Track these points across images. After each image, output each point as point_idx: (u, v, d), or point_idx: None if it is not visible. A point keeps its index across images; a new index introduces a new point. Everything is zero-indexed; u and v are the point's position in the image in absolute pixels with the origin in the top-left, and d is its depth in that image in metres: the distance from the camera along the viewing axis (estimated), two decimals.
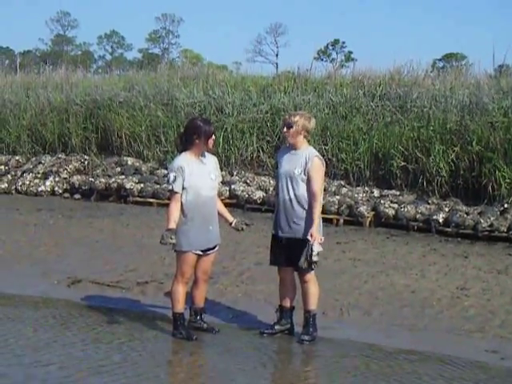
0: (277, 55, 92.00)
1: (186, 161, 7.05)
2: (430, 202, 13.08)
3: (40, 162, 17.12)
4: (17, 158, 17.80)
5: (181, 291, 7.14)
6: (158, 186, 14.98)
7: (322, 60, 71.67)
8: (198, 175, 7.02)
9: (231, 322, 7.83)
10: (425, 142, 13.86)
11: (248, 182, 14.80)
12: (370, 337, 7.41)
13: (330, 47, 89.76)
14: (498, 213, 12.30)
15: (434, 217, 12.49)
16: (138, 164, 16.33)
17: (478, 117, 13.80)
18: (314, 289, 7.18)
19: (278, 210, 7.18)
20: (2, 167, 17.39)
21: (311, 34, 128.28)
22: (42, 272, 9.74)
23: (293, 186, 7.05)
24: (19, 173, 16.96)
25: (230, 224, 7.37)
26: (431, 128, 13.97)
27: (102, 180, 15.73)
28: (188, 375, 6.53)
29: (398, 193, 13.68)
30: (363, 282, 9.22)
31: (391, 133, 14.33)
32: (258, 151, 15.60)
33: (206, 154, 7.23)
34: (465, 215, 12.33)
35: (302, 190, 7.03)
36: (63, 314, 8.06)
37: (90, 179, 15.91)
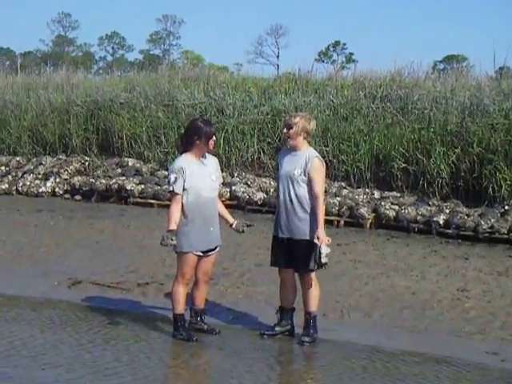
0: (278, 56, 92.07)
1: (186, 162, 7.05)
2: (430, 203, 13.08)
3: (41, 163, 17.13)
4: (17, 158, 17.80)
5: (181, 292, 7.14)
6: (159, 187, 14.99)
7: (323, 61, 71.71)
8: (199, 176, 7.03)
9: (232, 323, 7.83)
10: (425, 143, 13.86)
11: (249, 183, 14.80)
12: (371, 338, 7.41)
13: (331, 49, 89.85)
14: (499, 214, 12.30)
15: (435, 218, 12.48)
16: (138, 165, 16.33)
17: (479, 118, 13.80)
18: (314, 290, 7.18)
19: (279, 212, 7.19)
20: (3, 168, 17.39)
21: (312, 35, 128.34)
22: (43, 273, 9.74)
23: (293, 187, 7.05)
24: (20, 174, 16.96)
25: (231, 225, 7.38)
26: (432, 130, 13.97)
27: (103, 181, 15.73)
28: (188, 376, 6.53)
29: (398, 194, 13.68)
30: (364, 284, 9.22)
31: (392, 134, 14.33)
32: (259, 152, 15.60)
33: (207, 155, 7.23)
34: (465, 217, 12.33)
35: (303, 191, 7.04)
36: (68, 315, 8.06)
37: (91, 180, 15.91)
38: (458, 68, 21.45)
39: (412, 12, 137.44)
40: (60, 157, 17.35)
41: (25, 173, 16.91)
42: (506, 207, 12.44)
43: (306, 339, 7.16)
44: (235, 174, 15.25)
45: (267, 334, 7.33)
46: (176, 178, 6.97)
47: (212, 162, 7.29)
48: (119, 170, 16.22)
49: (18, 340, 7.15)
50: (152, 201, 14.97)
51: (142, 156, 16.67)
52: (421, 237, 12.36)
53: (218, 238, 7.27)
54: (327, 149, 14.57)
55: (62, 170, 16.58)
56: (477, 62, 49.30)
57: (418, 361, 6.83)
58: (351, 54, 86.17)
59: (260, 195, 14.30)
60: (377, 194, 13.78)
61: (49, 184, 16.27)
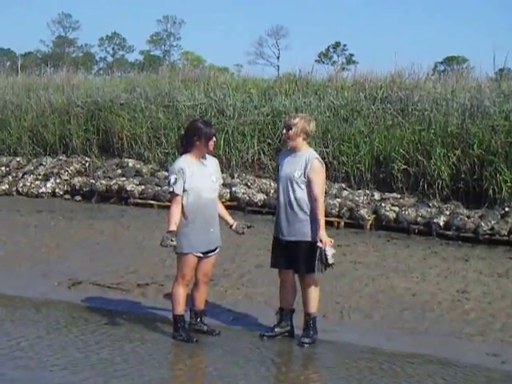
0: (278, 58, 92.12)
1: (186, 163, 7.05)
2: (430, 205, 13.08)
3: (41, 164, 17.12)
4: (18, 159, 17.78)
5: (181, 293, 7.14)
6: (159, 188, 14.98)
7: (323, 63, 71.65)
8: (199, 177, 7.03)
9: (231, 324, 7.83)
10: (426, 145, 13.86)
11: (249, 184, 14.80)
12: (371, 340, 7.40)
13: (331, 50, 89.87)
14: (499, 216, 12.29)
15: (435, 220, 12.48)
16: (138, 166, 16.32)
17: (479, 120, 13.80)
18: (315, 292, 7.18)
19: (279, 213, 7.19)
20: (3, 168, 17.38)
21: (312, 36, 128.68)
22: (43, 273, 9.75)
23: (293, 189, 7.05)
24: (20, 174, 16.96)
25: (231, 227, 7.38)
26: (432, 131, 13.97)
27: (103, 182, 15.73)
28: (187, 377, 6.52)
29: (398, 196, 13.67)
30: (364, 285, 9.22)
31: (392, 136, 14.32)
32: (259, 154, 15.60)
33: (207, 156, 7.23)
34: (466, 218, 12.33)
35: (303, 192, 7.04)
36: (73, 315, 8.07)
37: (91, 181, 15.91)
38: (458, 69, 21.44)
39: (412, 13, 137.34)
40: (60, 157, 17.35)
41: (25, 173, 16.91)
42: (507, 209, 12.44)
43: (306, 340, 7.15)
44: (235, 175, 15.24)
45: (267, 335, 7.32)
46: (176, 179, 6.97)
47: (212, 163, 7.30)
48: (119, 171, 16.22)
49: (25, 341, 7.15)
50: (152, 202, 14.97)
51: (143, 157, 16.67)
52: (421, 238, 12.36)
53: (218, 239, 7.27)
54: (327, 150, 14.57)
55: (62, 171, 16.57)
56: (477, 63, 49.38)
57: (418, 362, 6.83)
58: (351, 55, 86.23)
59: (260, 196, 14.29)
60: (377, 196, 13.77)
61: (49, 185, 16.27)
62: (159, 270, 9.75)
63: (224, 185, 13.35)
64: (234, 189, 14.50)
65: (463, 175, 13.33)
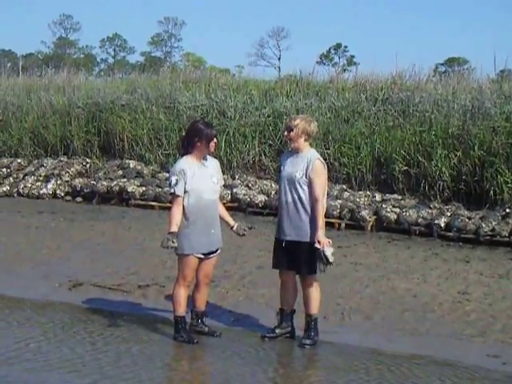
0: (279, 59, 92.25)
1: (187, 164, 7.05)
2: (431, 206, 13.08)
3: (42, 165, 17.13)
4: (19, 160, 17.80)
5: (182, 294, 7.14)
6: (160, 189, 14.99)
7: (325, 64, 71.75)
8: (200, 178, 7.03)
9: (232, 325, 7.82)
10: (427, 146, 13.86)
11: (250, 185, 14.81)
12: (372, 341, 7.40)
13: (333, 51, 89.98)
14: (500, 217, 12.30)
15: (436, 221, 12.48)
16: (139, 167, 16.33)
17: (480, 121, 13.80)
18: (316, 293, 7.18)
19: (281, 214, 7.19)
20: (4, 170, 17.40)
21: (313, 37, 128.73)
22: (44, 275, 9.75)
23: (295, 190, 7.06)
24: (21, 175, 16.98)
25: (232, 228, 7.38)
26: (433, 132, 13.97)
27: (104, 183, 15.74)
28: (189, 378, 6.52)
29: (399, 197, 13.67)
30: (364, 287, 9.21)
31: (393, 137, 14.33)
32: (260, 155, 15.61)
33: (208, 157, 7.23)
34: (466, 220, 12.33)
35: (304, 193, 7.04)
36: (77, 317, 8.06)
37: (92, 182, 15.92)
38: (459, 71, 21.44)
39: (413, 15, 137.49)
40: (61, 159, 17.36)
41: (26, 175, 16.92)
42: (508, 210, 12.45)
43: (307, 342, 7.15)
44: (236, 177, 15.25)
45: (268, 336, 7.32)
46: (177, 180, 6.97)
47: (213, 164, 7.30)
48: (120, 172, 16.23)
49: (34, 343, 7.15)
50: (153, 203, 14.98)
51: (143, 158, 16.68)
52: (422, 239, 12.36)
53: (219, 240, 7.27)
54: (328, 151, 14.57)
55: (63, 172, 16.58)
56: (478, 64, 49.41)
57: (419, 364, 6.82)
58: (352, 56, 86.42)
59: (261, 197, 14.29)
60: (378, 197, 13.77)
61: (50, 186, 16.27)
62: (160, 271, 9.75)
63: (225, 186, 13.36)
64: (234, 190, 14.51)
65: (464, 176, 13.33)
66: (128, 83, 19.94)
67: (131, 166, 16.40)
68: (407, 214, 12.78)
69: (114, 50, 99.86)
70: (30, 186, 16.40)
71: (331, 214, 12.85)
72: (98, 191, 15.68)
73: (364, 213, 13.06)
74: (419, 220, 12.68)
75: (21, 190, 16.39)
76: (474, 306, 8.42)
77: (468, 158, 13.36)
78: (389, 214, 12.93)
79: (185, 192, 6.98)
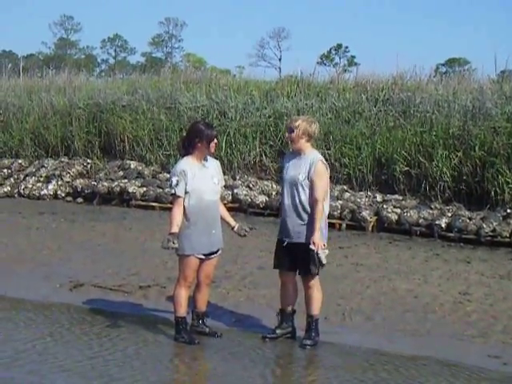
0: (280, 59, 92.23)
1: (188, 165, 7.05)
2: (432, 206, 13.07)
3: (43, 166, 17.13)
4: (20, 161, 17.80)
5: (183, 295, 7.14)
6: (161, 190, 14.99)
7: (325, 64, 71.58)
8: (201, 179, 7.02)
9: (233, 326, 7.82)
10: (428, 146, 13.85)
11: (251, 186, 14.80)
12: (373, 342, 7.40)
13: (333, 52, 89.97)
14: (501, 218, 12.29)
15: (437, 222, 12.48)
16: (140, 168, 16.33)
17: (481, 122, 13.80)
18: (317, 294, 7.18)
19: (284, 216, 7.18)
20: (5, 171, 17.41)
21: (314, 38, 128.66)
22: (45, 276, 9.75)
23: (298, 192, 7.05)
24: (22, 176, 16.98)
25: (233, 228, 7.37)
26: (434, 133, 13.97)
27: (105, 184, 15.74)
28: (189, 379, 6.53)
29: (400, 198, 13.67)
30: (365, 287, 9.21)
31: (394, 138, 14.32)
32: (261, 155, 15.60)
33: (209, 158, 7.23)
34: (467, 220, 12.33)
35: (306, 195, 7.03)
36: (77, 318, 8.06)
37: (93, 183, 15.92)
38: (460, 71, 21.48)
39: (414, 15, 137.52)
40: (62, 159, 17.36)
41: (27, 175, 16.92)
42: (509, 210, 12.44)
43: (308, 342, 7.15)
44: (237, 177, 15.24)
45: (269, 336, 7.32)
46: (178, 181, 6.97)
47: (214, 164, 7.29)
48: (121, 173, 16.23)
49: (38, 344, 7.16)
50: (154, 203, 14.98)
51: (144, 159, 16.68)
52: (423, 240, 12.35)
53: (220, 240, 7.27)
54: (329, 152, 14.56)
55: (64, 173, 16.58)
56: (479, 65, 49.48)
57: (420, 364, 6.82)
58: (353, 57, 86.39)
59: (262, 198, 14.29)
60: (379, 197, 13.77)
61: (51, 187, 16.28)
62: (161, 271, 9.75)
63: (226, 186, 13.37)
64: (235, 190, 14.51)
65: (465, 177, 13.33)
66: (129, 84, 19.94)
67: (132, 166, 16.40)
68: (408, 214, 12.77)
69: (115, 50, 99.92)
70: (30, 186, 16.40)
71: (332, 215, 12.82)
72: (99, 192, 15.68)
73: (365, 213, 13.05)
74: (420, 220, 12.68)
75: (22, 191, 16.40)
76: (475, 307, 8.42)
77: (469, 158, 13.35)
78: (390, 215, 12.93)
79: (185, 193, 6.97)
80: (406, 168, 13.87)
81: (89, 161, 17.16)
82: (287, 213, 7.12)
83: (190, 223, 6.99)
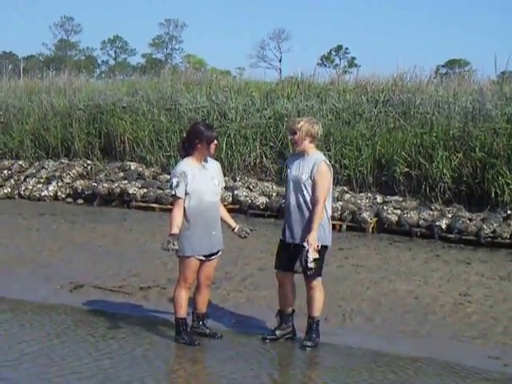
0: (280, 61, 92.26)
1: (188, 166, 7.05)
2: (432, 208, 13.07)
3: (43, 167, 17.14)
4: (20, 162, 17.81)
5: (183, 296, 7.14)
6: (161, 191, 14.99)
7: (325, 66, 71.75)
8: (201, 180, 7.02)
9: (234, 327, 7.82)
10: (428, 148, 13.85)
11: (251, 187, 14.80)
12: (373, 343, 7.40)
13: (333, 53, 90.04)
14: (501, 219, 12.30)
15: (437, 223, 12.48)
16: (140, 169, 16.34)
17: (481, 123, 13.80)
18: (319, 294, 7.17)
19: (287, 217, 7.17)
20: (5, 172, 17.41)
21: (314, 39, 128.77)
22: (45, 277, 9.74)
23: (301, 192, 7.04)
24: (22, 177, 16.98)
25: (233, 230, 7.37)
26: (434, 134, 13.97)
27: (105, 185, 15.74)
28: (190, 381, 6.52)
29: (400, 199, 13.67)
30: (366, 288, 9.21)
31: (394, 139, 14.33)
32: (261, 157, 15.61)
33: (209, 159, 7.23)
34: (468, 221, 12.33)
35: (310, 195, 7.02)
36: (77, 320, 8.04)
37: (93, 184, 15.93)
38: (460, 72, 21.38)
39: (414, 16, 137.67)
40: (62, 161, 17.37)
41: (27, 177, 16.92)
42: (509, 212, 12.45)
43: (308, 343, 7.15)
44: (237, 178, 15.25)
45: (269, 338, 7.32)
46: (178, 182, 6.97)
47: (214, 166, 7.29)
48: (121, 174, 16.24)
49: (37, 346, 7.14)
50: (154, 205, 14.98)
51: (145, 160, 16.68)
52: (423, 241, 12.35)
53: (221, 242, 7.27)
54: (329, 153, 14.54)
55: (64, 174, 16.59)
56: (479, 66, 49.46)
57: (420, 365, 6.82)
58: (353, 58, 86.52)
59: (262, 199, 14.29)
60: (379, 199, 13.77)
61: (51, 188, 16.28)
62: (161, 273, 9.75)
63: (226, 188, 13.35)
64: (236, 192, 14.51)
65: (465, 178, 13.33)
66: (129, 85, 19.96)
67: (132, 167, 16.41)
68: (408, 215, 12.77)
69: (115, 51, 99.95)
70: (31, 188, 16.40)
71: (332, 216, 12.72)
72: (99, 193, 15.68)
73: (365, 214, 13.05)
74: (420, 222, 12.68)
75: (22, 192, 16.41)
76: (475, 308, 8.42)
77: (469, 159, 13.35)
78: (390, 216, 12.93)
79: (186, 194, 6.97)
80: (407, 169, 13.88)
81: (89, 162, 17.17)
82: (291, 213, 7.11)
83: (190, 224, 6.99)
